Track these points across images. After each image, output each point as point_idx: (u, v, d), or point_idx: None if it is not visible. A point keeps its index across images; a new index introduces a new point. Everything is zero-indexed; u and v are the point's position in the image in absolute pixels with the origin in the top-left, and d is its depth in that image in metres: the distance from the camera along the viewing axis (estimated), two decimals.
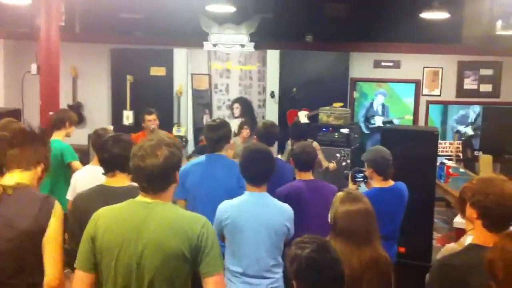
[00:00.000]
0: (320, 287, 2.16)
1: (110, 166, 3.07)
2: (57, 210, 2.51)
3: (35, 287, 2.47)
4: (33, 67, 6.16)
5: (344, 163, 5.44)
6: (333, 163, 5.96)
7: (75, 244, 2.78)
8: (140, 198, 2.32)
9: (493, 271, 1.91)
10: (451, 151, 8.58)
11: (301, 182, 4.05)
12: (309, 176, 4.09)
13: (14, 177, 2.58)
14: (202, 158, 3.98)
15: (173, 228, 2.21)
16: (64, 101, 7.98)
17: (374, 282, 2.64)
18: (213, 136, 3.92)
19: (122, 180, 3.07)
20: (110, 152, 3.04)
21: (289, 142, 6.40)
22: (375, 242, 2.72)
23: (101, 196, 2.99)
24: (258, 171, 3.31)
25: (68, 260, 2.60)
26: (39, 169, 2.69)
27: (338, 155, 5.68)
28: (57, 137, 5.15)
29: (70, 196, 4.31)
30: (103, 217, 2.30)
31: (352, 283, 2.51)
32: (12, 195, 2.47)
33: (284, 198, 3.57)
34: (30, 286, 2.48)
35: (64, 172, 4.94)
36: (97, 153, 3.16)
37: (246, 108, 8.69)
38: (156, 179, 2.26)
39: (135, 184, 3.19)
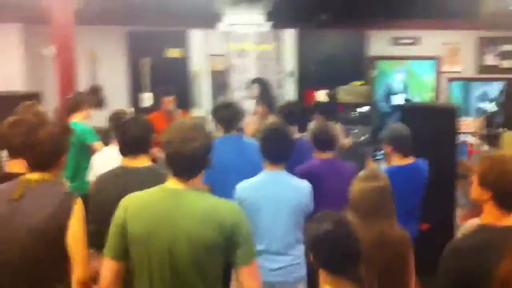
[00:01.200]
0: (336, 260, 2.15)
1: (131, 148, 3.06)
2: (78, 209, 2.47)
3: (59, 284, 2.47)
4: (50, 51, 6.17)
5: (362, 138, 5.37)
6: (349, 138, 5.92)
7: (96, 225, 2.80)
8: (170, 184, 2.25)
9: None
10: (473, 128, 8.45)
11: (318, 160, 4.03)
12: (327, 155, 4.06)
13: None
14: (219, 139, 3.97)
15: (205, 217, 2.16)
16: (83, 84, 8.01)
17: (387, 258, 2.64)
18: (225, 116, 3.94)
19: (142, 161, 3.07)
20: (131, 134, 3.03)
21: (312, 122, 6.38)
22: (389, 219, 2.71)
23: (122, 177, 3.01)
24: (277, 150, 3.32)
25: (90, 240, 2.60)
26: (62, 159, 2.66)
27: (355, 130, 5.60)
28: (76, 120, 5.18)
29: (91, 177, 4.34)
30: (133, 204, 2.24)
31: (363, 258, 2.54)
32: (35, 189, 2.45)
33: (302, 176, 3.55)
34: (53, 283, 2.48)
35: (86, 154, 4.95)
36: (117, 135, 3.15)
37: (264, 88, 8.64)
38: (195, 163, 2.22)
39: (154, 164, 3.21)
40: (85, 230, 2.49)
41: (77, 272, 2.43)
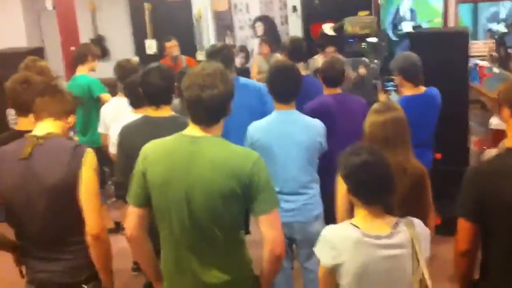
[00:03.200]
0: (372, 189, 2.20)
1: (155, 99, 3.05)
2: (88, 159, 2.44)
3: (81, 236, 2.45)
4: (48, 3, 6.07)
5: (374, 66, 5.25)
6: (362, 68, 5.83)
7: (123, 177, 2.82)
8: (189, 132, 2.23)
9: None
10: (484, 51, 8.27)
11: (329, 96, 3.98)
12: (337, 91, 4.01)
13: (45, 127, 2.51)
14: None
15: (222, 165, 2.13)
16: (85, 36, 7.92)
17: (404, 188, 2.61)
18: (215, 60, 3.93)
19: (166, 111, 3.08)
20: (155, 86, 3.01)
21: (315, 57, 6.31)
22: (404, 150, 2.69)
23: (148, 127, 3.01)
24: (286, 88, 3.27)
25: (118, 192, 2.60)
26: (70, 119, 2.65)
27: (364, 59, 5.48)
28: (82, 72, 5.15)
29: (101, 129, 4.35)
30: (152, 152, 2.24)
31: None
32: (43, 145, 2.42)
33: (312, 113, 3.52)
34: (76, 238, 2.47)
35: (94, 106, 4.95)
36: (141, 86, 3.10)
37: (269, 26, 8.48)
38: (215, 110, 2.18)
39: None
40: (97, 180, 2.49)
41: (89, 224, 2.41)
